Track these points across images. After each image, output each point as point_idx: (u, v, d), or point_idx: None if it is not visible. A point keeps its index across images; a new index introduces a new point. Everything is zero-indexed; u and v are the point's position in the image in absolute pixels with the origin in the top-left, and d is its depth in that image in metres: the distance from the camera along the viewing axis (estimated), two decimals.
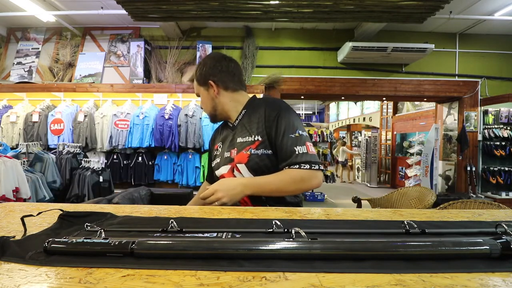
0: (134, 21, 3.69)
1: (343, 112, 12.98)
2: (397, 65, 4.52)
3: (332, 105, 14.26)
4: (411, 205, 2.39)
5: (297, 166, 0.94)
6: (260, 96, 3.42)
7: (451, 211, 0.83)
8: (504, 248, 0.44)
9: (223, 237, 0.53)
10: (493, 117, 4.60)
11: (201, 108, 1.15)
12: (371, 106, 10.15)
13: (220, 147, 1.14)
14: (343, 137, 12.25)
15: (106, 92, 3.99)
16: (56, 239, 0.47)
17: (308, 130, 6.68)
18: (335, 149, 9.65)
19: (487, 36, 4.59)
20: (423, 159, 5.22)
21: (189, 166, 3.85)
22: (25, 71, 4.52)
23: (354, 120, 11.71)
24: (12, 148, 3.36)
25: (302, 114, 14.96)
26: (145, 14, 3.48)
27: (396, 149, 8.16)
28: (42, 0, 3.78)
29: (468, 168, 4.47)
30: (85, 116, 3.79)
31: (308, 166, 0.94)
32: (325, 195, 5.84)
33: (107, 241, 0.45)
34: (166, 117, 3.72)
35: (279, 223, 0.57)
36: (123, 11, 3.43)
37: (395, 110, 8.38)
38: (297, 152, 0.95)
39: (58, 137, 3.79)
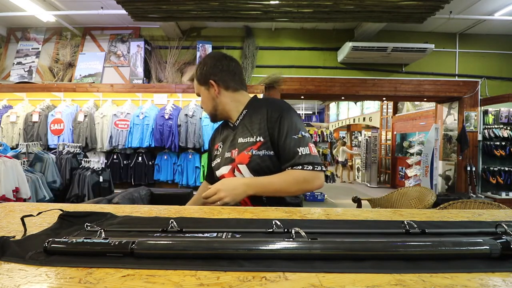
0: (134, 21, 3.68)
1: (343, 112, 12.98)
2: (397, 65, 4.52)
3: (332, 105, 14.26)
4: (411, 205, 2.39)
5: (300, 167, 0.94)
6: (260, 96, 3.43)
7: (451, 211, 0.83)
8: (504, 248, 0.44)
9: (223, 237, 0.53)
10: (493, 117, 4.60)
11: (201, 107, 1.15)
12: (371, 106, 10.15)
13: (220, 147, 1.13)
14: (343, 137, 12.25)
15: (106, 92, 3.99)
16: (56, 239, 0.47)
17: (308, 130, 6.66)
18: (335, 149, 9.66)
19: (487, 36, 4.59)
20: (423, 159, 5.22)
21: (189, 166, 3.85)
22: (25, 71, 4.52)
23: (354, 120, 11.71)
24: (12, 148, 3.36)
25: (302, 114, 14.95)
26: (145, 14, 3.48)
27: (396, 149, 8.16)
28: (42, 0, 3.78)
29: (468, 168, 4.47)
30: (85, 116, 3.79)
31: (311, 167, 0.94)
32: (325, 195, 5.84)
33: (107, 241, 0.46)
34: (166, 117, 3.72)
35: (279, 223, 0.57)
36: (123, 11, 3.43)
37: (395, 110, 8.38)
38: (300, 153, 0.95)
39: (58, 137, 3.79)
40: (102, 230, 0.50)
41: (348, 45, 4.05)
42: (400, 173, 7.65)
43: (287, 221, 0.66)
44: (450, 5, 3.29)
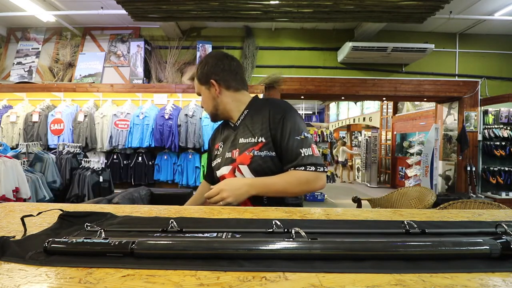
0: (134, 21, 3.68)
1: (343, 112, 12.98)
2: (397, 65, 4.52)
3: (332, 105, 14.26)
4: (411, 205, 2.39)
5: (303, 168, 0.94)
6: (261, 96, 3.42)
7: (451, 211, 0.83)
8: (504, 248, 0.44)
9: (223, 237, 0.53)
10: (493, 117, 4.60)
11: (202, 107, 1.14)
12: (371, 106, 10.15)
13: (221, 147, 1.12)
14: (343, 137, 12.25)
15: (106, 92, 3.99)
16: (56, 239, 0.47)
17: (308, 130, 6.67)
18: (335, 149, 9.66)
19: (487, 36, 4.59)
20: (423, 159, 5.22)
21: (189, 166, 3.85)
22: (25, 71, 4.52)
23: (354, 120, 11.71)
24: (12, 148, 3.36)
25: (302, 114, 14.93)
26: (145, 14, 3.48)
27: (396, 149, 8.16)
28: (42, 0, 3.78)
29: (468, 168, 4.47)
30: (85, 116, 3.79)
31: (314, 168, 0.94)
32: (325, 195, 5.84)
33: (107, 241, 0.46)
34: (166, 117, 3.72)
35: (279, 223, 0.57)
36: (123, 11, 3.43)
37: (395, 110, 8.38)
38: (303, 154, 0.95)
39: (58, 137, 3.79)
40: (102, 230, 0.50)
41: (348, 45, 4.05)
42: (400, 173, 7.65)
43: (287, 221, 0.66)
44: (450, 5, 3.29)
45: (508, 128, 4.54)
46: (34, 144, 3.24)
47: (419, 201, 2.36)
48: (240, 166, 1.00)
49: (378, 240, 0.47)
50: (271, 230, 0.57)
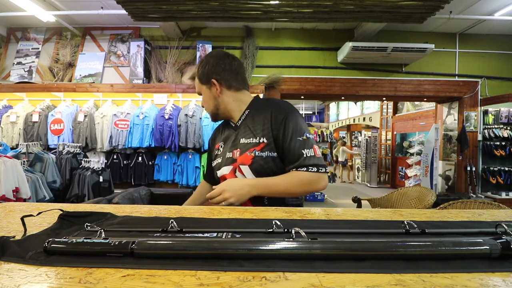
0: (134, 21, 3.68)
1: (343, 112, 12.98)
2: (397, 65, 4.52)
3: (332, 105, 14.26)
4: (411, 205, 2.39)
5: (305, 168, 0.94)
6: (261, 96, 3.42)
7: (451, 211, 0.83)
8: (504, 248, 0.44)
9: (223, 237, 0.53)
10: (493, 117, 4.60)
11: (202, 106, 1.14)
12: (371, 106, 10.15)
13: (221, 146, 1.12)
14: (343, 137, 12.25)
15: (106, 92, 3.99)
16: (56, 239, 0.47)
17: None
18: (335, 149, 9.66)
19: (487, 36, 4.59)
20: (423, 159, 5.22)
21: (189, 166, 3.85)
22: (25, 71, 4.52)
23: (354, 120, 11.71)
24: (12, 148, 3.36)
25: (302, 114, 14.92)
26: (145, 14, 3.48)
27: (396, 149, 8.16)
28: (42, 0, 3.78)
29: (468, 168, 4.47)
30: (85, 116, 3.79)
31: (316, 169, 0.95)
32: (325, 195, 5.84)
33: (107, 241, 0.46)
34: (166, 117, 3.72)
35: (279, 223, 0.57)
36: (123, 11, 3.43)
37: (395, 110, 8.38)
38: (305, 155, 0.95)
39: (58, 137, 3.79)
40: (102, 230, 0.50)
41: (348, 45, 4.05)
42: (400, 173, 7.65)
43: (287, 221, 0.66)
44: (450, 5, 3.28)
45: (508, 128, 4.54)
46: (34, 144, 3.24)
47: (419, 201, 2.36)
48: (241, 166, 1.00)
49: (378, 240, 0.47)
50: (271, 230, 0.57)
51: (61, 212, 0.65)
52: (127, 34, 4.56)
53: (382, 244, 0.46)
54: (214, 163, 1.13)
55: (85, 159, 3.41)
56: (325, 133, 7.34)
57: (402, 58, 4.28)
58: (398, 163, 7.89)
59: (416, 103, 7.24)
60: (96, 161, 3.39)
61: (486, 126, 4.58)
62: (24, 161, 2.91)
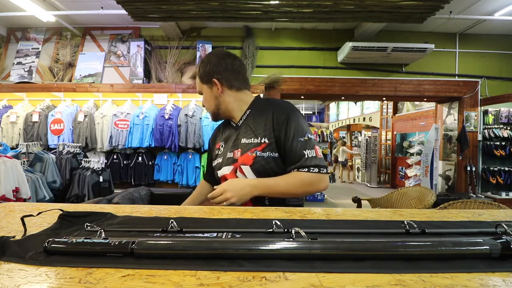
0: (134, 21, 3.68)
1: (343, 112, 12.98)
2: (397, 65, 4.52)
3: (332, 105, 14.26)
4: (411, 205, 2.39)
5: (306, 169, 0.94)
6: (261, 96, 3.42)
7: (451, 211, 0.83)
8: (504, 248, 0.44)
9: (223, 237, 0.53)
10: (493, 117, 4.60)
11: (203, 106, 1.13)
12: (371, 106, 10.15)
13: (222, 146, 1.11)
14: (343, 137, 12.25)
15: (106, 92, 3.99)
16: (56, 239, 0.47)
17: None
18: (335, 149, 9.66)
19: (487, 36, 4.59)
20: (423, 159, 5.22)
21: (189, 166, 3.85)
22: (25, 71, 4.51)
23: (354, 120, 11.71)
24: (12, 148, 3.36)
25: (302, 114, 14.92)
26: (145, 14, 3.48)
27: (396, 149, 8.16)
28: (42, 0, 3.78)
29: (468, 168, 4.47)
30: (85, 116, 3.79)
31: (317, 170, 0.95)
32: (325, 195, 5.84)
33: (107, 241, 0.45)
34: (166, 117, 3.72)
35: (279, 223, 0.57)
36: (123, 11, 3.43)
37: (395, 110, 8.38)
38: (306, 156, 0.95)
39: (58, 137, 3.79)
40: (102, 230, 0.50)
41: (348, 45, 4.05)
42: (400, 173, 7.65)
43: (287, 221, 0.66)
44: (450, 5, 3.29)
45: (508, 128, 4.54)
46: (34, 144, 3.24)
47: (419, 201, 2.36)
48: (242, 166, 1.00)
49: (378, 240, 0.47)
50: (271, 230, 0.57)
51: (61, 212, 0.65)
52: (127, 34, 4.56)
53: (382, 244, 0.46)
54: (215, 163, 1.13)
55: (85, 159, 3.41)
56: (325, 133, 7.33)
57: (402, 58, 4.28)
58: (398, 163, 7.89)
59: (416, 103, 7.24)
60: (96, 161, 3.39)
61: (486, 126, 4.58)
62: (24, 161, 2.91)
